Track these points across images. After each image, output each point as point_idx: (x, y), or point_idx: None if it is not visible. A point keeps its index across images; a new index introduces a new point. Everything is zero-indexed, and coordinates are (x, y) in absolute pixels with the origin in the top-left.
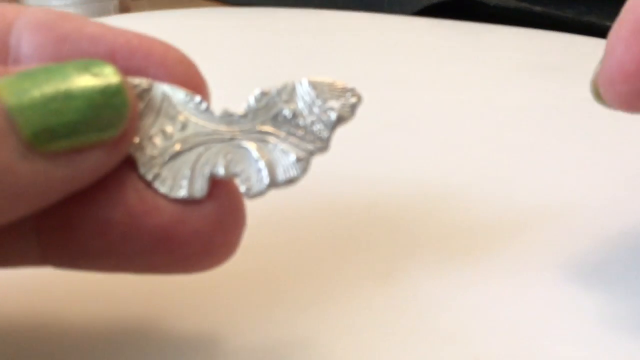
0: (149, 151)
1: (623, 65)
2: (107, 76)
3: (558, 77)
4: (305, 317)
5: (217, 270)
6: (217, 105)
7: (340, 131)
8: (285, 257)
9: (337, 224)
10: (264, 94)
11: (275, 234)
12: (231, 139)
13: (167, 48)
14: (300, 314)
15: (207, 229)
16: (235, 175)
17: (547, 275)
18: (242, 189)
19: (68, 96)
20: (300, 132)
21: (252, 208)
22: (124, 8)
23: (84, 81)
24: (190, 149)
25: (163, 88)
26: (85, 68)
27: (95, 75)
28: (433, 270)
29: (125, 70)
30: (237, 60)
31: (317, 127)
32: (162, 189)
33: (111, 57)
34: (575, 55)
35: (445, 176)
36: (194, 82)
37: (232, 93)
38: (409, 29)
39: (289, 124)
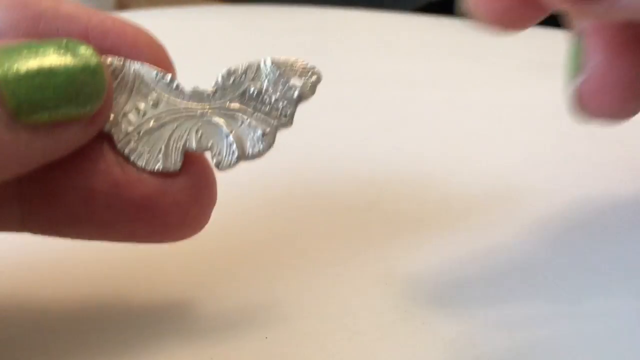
0: (125, 127)
1: None
2: (87, 56)
3: (561, 75)
4: (304, 316)
5: (217, 272)
6: None
7: (342, 129)
8: (284, 256)
9: (337, 223)
10: (230, 72)
11: (274, 232)
12: (202, 115)
13: (139, 31)
14: (298, 313)
15: (185, 201)
16: (207, 149)
17: (550, 276)
18: (214, 162)
19: (50, 73)
20: (266, 108)
21: (253, 205)
22: (121, 5)
23: (66, 60)
24: (164, 125)
25: (135, 67)
26: (67, 47)
27: (76, 54)
28: (433, 269)
29: (99, 49)
30: (236, 58)
31: (282, 103)
32: (139, 162)
33: (85, 35)
34: None
35: (447, 175)
36: (163, 65)
37: None
38: (409, 26)
39: (255, 100)
